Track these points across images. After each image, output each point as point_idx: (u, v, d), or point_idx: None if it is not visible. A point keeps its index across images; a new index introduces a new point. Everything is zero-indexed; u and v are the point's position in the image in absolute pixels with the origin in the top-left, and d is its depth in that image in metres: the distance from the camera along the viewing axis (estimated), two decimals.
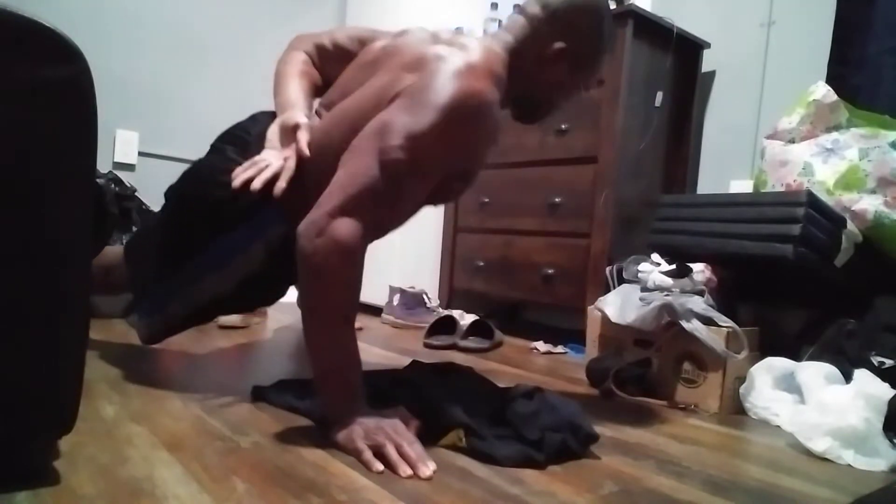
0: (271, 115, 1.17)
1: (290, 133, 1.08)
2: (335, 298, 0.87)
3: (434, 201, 1.10)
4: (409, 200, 0.95)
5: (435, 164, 0.93)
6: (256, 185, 1.00)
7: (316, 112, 1.16)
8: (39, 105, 0.63)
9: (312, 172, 1.02)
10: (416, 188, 0.94)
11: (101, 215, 1.94)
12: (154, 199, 2.19)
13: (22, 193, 0.62)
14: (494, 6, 2.40)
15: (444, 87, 0.90)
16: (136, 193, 2.11)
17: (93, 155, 0.68)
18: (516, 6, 1.10)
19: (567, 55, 1.06)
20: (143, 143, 2.38)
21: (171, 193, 1.21)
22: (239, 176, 1.03)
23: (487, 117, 0.94)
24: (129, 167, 2.34)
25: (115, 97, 2.28)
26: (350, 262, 0.87)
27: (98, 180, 1.99)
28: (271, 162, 1.04)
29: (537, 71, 1.07)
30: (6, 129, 0.61)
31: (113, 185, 2.04)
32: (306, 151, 1.03)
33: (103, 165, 2.21)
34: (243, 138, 1.15)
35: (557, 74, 1.08)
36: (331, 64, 1.22)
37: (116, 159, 2.32)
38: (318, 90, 1.22)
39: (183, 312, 1.17)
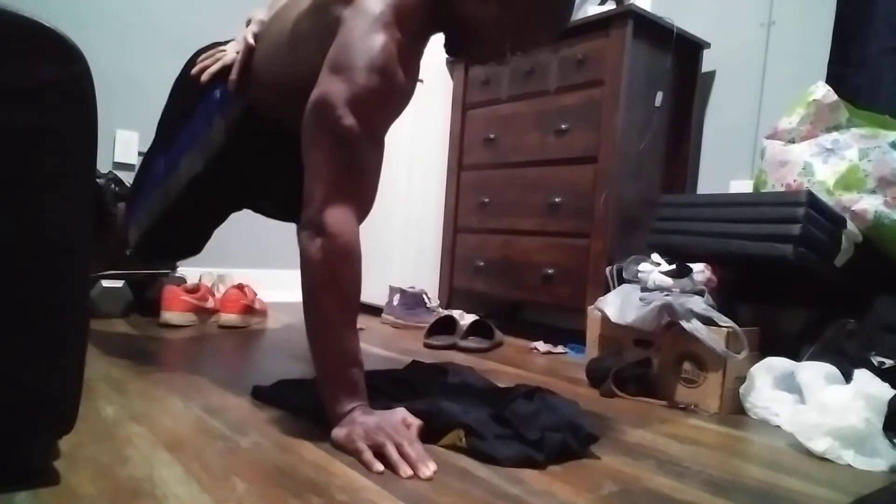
0: None
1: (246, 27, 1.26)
2: (340, 297, 0.89)
3: None
4: (375, 159, 0.97)
5: (380, 116, 0.95)
6: (204, 77, 1.23)
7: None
8: (39, 105, 0.63)
9: (258, 59, 1.20)
10: (374, 145, 0.95)
11: (101, 215, 1.94)
12: None
13: (22, 193, 0.62)
14: None
15: (361, 44, 0.92)
16: None
17: (93, 155, 0.68)
18: None
19: None
20: (143, 143, 2.37)
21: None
22: (198, 64, 1.25)
23: (405, 61, 0.95)
24: (129, 167, 2.34)
25: (115, 97, 2.28)
26: (352, 256, 0.89)
27: (98, 180, 1.99)
28: (227, 53, 1.24)
29: (463, 6, 1.03)
30: (6, 128, 0.61)
31: (113, 185, 2.04)
32: (250, 40, 1.21)
33: (103, 165, 2.21)
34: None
35: (488, 11, 1.02)
36: None
37: (116, 159, 2.32)
38: None
39: (165, 202, 1.26)
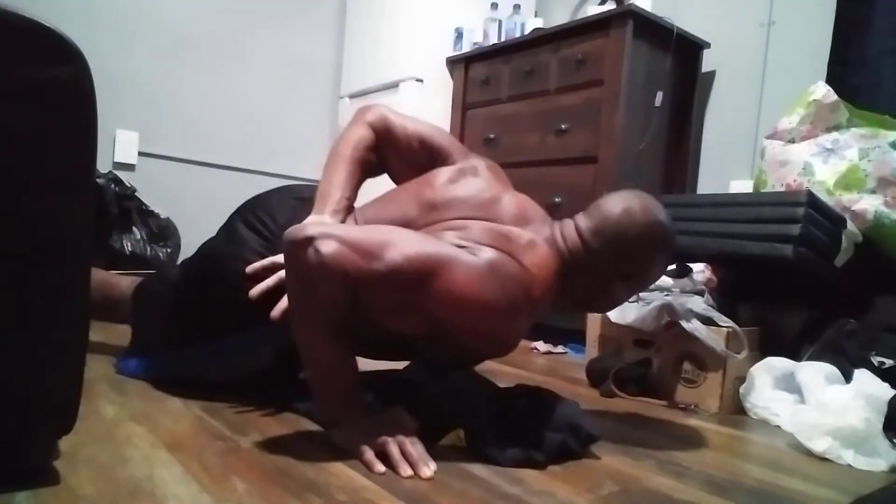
0: (299, 202, 1.09)
1: None
2: (322, 308, 0.83)
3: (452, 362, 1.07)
4: (381, 309, 0.87)
5: (425, 309, 0.86)
6: (275, 314, 0.96)
7: (355, 219, 1.06)
8: (39, 105, 0.63)
9: None
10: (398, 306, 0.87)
11: (101, 215, 1.94)
12: (154, 199, 2.19)
13: (22, 193, 0.62)
14: (494, 6, 2.41)
15: (516, 278, 0.88)
16: (136, 193, 2.11)
17: (93, 155, 0.68)
18: (578, 230, 1.00)
19: (620, 280, 1.00)
20: (143, 143, 2.38)
21: (191, 272, 1.15)
22: (257, 287, 0.99)
23: (529, 317, 0.93)
24: (129, 167, 2.34)
25: (115, 97, 2.28)
26: (334, 281, 0.81)
27: (98, 180, 1.99)
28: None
29: (587, 288, 1.02)
30: (6, 129, 0.61)
31: (113, 185, 2.04)
32: None
33: (103, 165, 2.21)
34: (269, 228, 1.08)
35: (609, 291, 1.03)
36: (391, 152, 1.11)
37: (116, 159, 2.32)
38: (370, 172, 1.12)
39: (199, 375, 1.13)
